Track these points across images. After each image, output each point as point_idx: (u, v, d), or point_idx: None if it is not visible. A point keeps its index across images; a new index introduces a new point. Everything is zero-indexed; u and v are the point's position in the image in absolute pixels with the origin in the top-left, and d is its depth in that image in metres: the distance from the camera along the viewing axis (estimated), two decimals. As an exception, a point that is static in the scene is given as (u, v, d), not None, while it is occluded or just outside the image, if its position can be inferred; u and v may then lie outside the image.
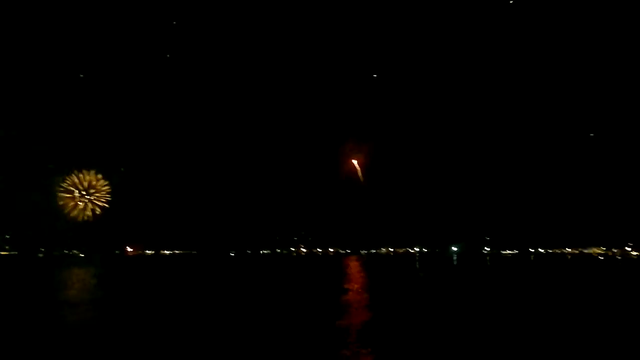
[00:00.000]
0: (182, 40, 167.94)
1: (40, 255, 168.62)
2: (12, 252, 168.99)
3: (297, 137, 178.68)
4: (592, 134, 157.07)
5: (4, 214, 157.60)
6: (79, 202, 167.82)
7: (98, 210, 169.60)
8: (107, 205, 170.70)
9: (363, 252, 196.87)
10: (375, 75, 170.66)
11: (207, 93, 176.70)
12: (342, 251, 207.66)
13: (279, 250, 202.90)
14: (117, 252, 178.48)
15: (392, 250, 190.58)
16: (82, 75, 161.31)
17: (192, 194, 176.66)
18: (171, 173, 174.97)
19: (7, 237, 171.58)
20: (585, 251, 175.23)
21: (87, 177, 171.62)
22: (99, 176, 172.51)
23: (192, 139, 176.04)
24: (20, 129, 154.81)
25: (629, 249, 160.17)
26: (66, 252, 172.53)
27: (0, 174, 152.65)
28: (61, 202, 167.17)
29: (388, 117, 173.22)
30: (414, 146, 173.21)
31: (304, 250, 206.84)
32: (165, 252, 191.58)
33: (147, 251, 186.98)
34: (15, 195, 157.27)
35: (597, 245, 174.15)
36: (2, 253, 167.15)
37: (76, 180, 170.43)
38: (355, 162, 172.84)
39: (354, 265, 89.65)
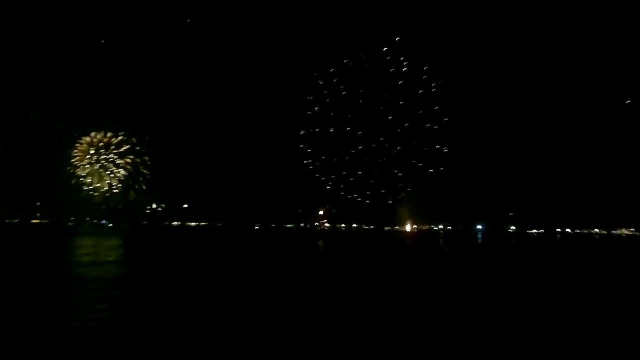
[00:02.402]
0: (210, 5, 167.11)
1: (70, 224, 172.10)
2: (44, 221, 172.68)
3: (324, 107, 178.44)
4: (628, 102, 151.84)
5: (35, 183, 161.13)
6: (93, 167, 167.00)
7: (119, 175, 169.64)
8: (129, 167, 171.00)
9: (386, 228, 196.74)
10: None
11: (235, 64, 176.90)
12: (365, 227, 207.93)
13: (302, 225, 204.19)
14: (144, 222, 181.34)
15: (415, 227, 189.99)
16: (102, 41, 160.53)
17: (218, 166, 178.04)
18: (197, 145, 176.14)
19: (38, 204, 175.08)
20: (614, 232, 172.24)
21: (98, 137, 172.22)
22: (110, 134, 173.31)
23: (219, 110, 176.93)
24: (48, 100, 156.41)
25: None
26: (95, 221, 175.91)
27: (31, 144, 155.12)
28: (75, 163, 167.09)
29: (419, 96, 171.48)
30: (439, 124, 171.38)
31: (327, 225, 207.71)
32: (191, 223, 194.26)
33: (174, 222, 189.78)
34: (45, 164, 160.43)
35: (627, 227, 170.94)
36: (34, 221, 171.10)
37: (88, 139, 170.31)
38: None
39: (378, 241, 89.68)
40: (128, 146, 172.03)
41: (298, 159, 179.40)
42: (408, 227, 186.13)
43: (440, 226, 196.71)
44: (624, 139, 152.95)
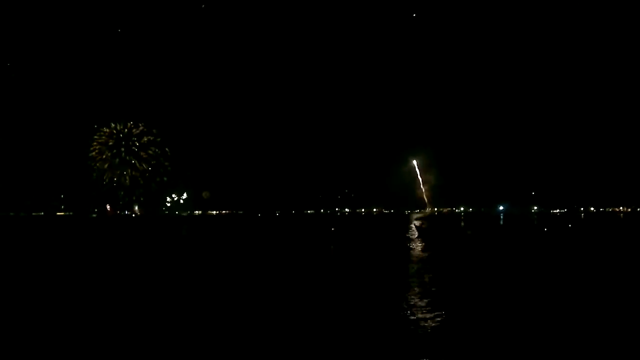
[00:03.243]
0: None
1: (94, 215, 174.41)
2: (68, 213, 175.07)
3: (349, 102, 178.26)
4: None
5: (58, 174, 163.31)
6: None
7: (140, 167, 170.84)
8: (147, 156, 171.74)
9: (407, 212, 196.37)
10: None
11: (253, 53, 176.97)
12: (385, 211, 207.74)
13: (322, 210, 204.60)
14: (165, 211, 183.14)
15: (436, 210, 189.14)
16: (119, 30, 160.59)
17: (237, 154, 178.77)
18: (217, 133, 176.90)
19: (62, 196, 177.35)
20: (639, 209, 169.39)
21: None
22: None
23: (239, 98, 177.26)
24: (66, 91, 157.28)
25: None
26: (118, 212, 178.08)
27: (51, 135, 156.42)
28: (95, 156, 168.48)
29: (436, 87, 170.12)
30: (460, 108, 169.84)
31: (347, 210, 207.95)
32: (212, 212, 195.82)
33: (196, 211, 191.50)
34: (69, 156, 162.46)
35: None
36: (59, 214, 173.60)
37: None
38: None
39: (400, 225, 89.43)
40: (150, 137, 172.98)
41: (318, 145, 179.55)
42: (428, 210, 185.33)
43: (462, 208, 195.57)
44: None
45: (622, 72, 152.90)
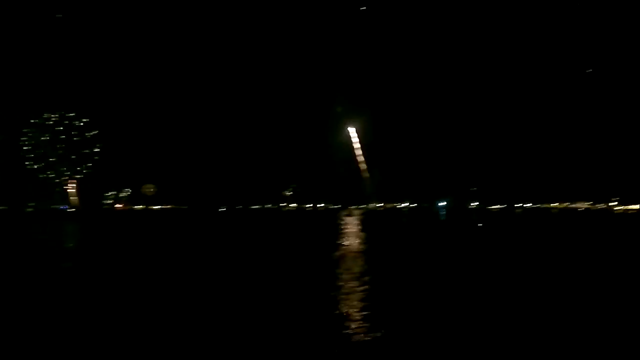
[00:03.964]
0: None
1: (30, 209, 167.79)
2: (2, 207, 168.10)
3: (292, 92, 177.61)
4: (589, 70, 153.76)
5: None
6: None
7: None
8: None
9: (352, 207, 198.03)
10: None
11: (200, 47, 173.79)
12: (331, 207, 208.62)
13: (268, 206, 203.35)
14: (106, 206, 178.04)
15: (379, 205, 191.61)
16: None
17: (183, 148, 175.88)
18: (164, 127, 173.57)
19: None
20: (572, 206, 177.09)
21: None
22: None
23: (185, 93, 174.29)
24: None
25: (614, 204, 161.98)
26: (55, 206, 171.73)
27: None
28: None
29: (378, 77, 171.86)
30: (403, 103, 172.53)
31: (293, 205, 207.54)
32: (155, 207, 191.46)
33: (136, 206, 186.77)
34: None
35: (584, 200, 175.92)
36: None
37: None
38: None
39: (343, 221, 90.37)
40: (92, 132, 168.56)
41: (264, 139, 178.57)
42: (371, 206, 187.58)
43: (405, 204, 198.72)
44: (583, 114, 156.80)
45: (556, 70, 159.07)
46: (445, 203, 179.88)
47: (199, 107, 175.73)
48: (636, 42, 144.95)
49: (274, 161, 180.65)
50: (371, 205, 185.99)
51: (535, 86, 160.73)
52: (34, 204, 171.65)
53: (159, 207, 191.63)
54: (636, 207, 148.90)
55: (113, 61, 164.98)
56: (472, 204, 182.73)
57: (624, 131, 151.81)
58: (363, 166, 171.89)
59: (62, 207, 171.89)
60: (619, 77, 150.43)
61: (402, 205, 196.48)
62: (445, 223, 74.78)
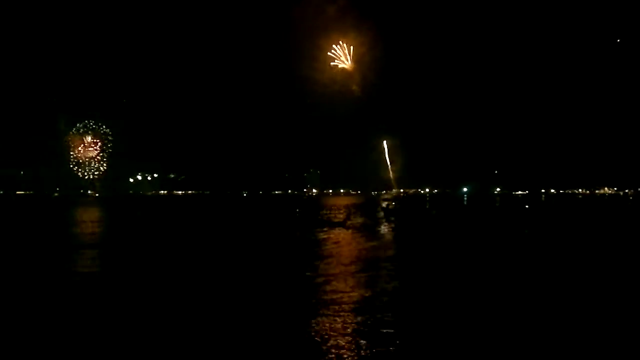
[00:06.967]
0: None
1: (56, 194, 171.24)
2: (29, 192, 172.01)
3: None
4: (618, 41, 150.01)
5: (22, 155, 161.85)
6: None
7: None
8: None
9: (374, 193, 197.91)
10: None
11: (217, 35, 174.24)
12: (352, 192, 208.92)
13: (290, 191, 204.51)
14: (131, 192, 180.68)
15: (402, 191, 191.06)
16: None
17: (205, 134, 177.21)
18: (184, 115, 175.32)
19: (22, 173, 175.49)
20: (597, 192, 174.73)
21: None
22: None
23: (206, 82, 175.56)
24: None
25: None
26: (82, 192, 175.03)
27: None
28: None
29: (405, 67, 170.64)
30: (425, 88, 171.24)
31: (315, 190, 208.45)
32: (179, 192, 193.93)
33: (162, 191, 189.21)
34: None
35: (610, 186, 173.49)
36: (19, 192, 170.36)
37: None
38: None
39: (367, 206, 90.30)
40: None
41: (287, 126, 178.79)
42: (394, 191, 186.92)
43: (427, 189, 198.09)
44: (606, 102, 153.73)
45: (582, 56, 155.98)
46: (467, 189, 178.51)
47: (227, 96, 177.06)
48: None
49: (298, 147, 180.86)
50: (394, 191, 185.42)
51: (564, 74, 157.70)
52: (58, 189, 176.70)
53: (182, 192, 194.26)
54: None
55: (143, 62, 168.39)
56: (495, 190, 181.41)
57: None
58: (386, 154, 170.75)
59: (88, 192, 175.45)
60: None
61: (425, 190, 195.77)
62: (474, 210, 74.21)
